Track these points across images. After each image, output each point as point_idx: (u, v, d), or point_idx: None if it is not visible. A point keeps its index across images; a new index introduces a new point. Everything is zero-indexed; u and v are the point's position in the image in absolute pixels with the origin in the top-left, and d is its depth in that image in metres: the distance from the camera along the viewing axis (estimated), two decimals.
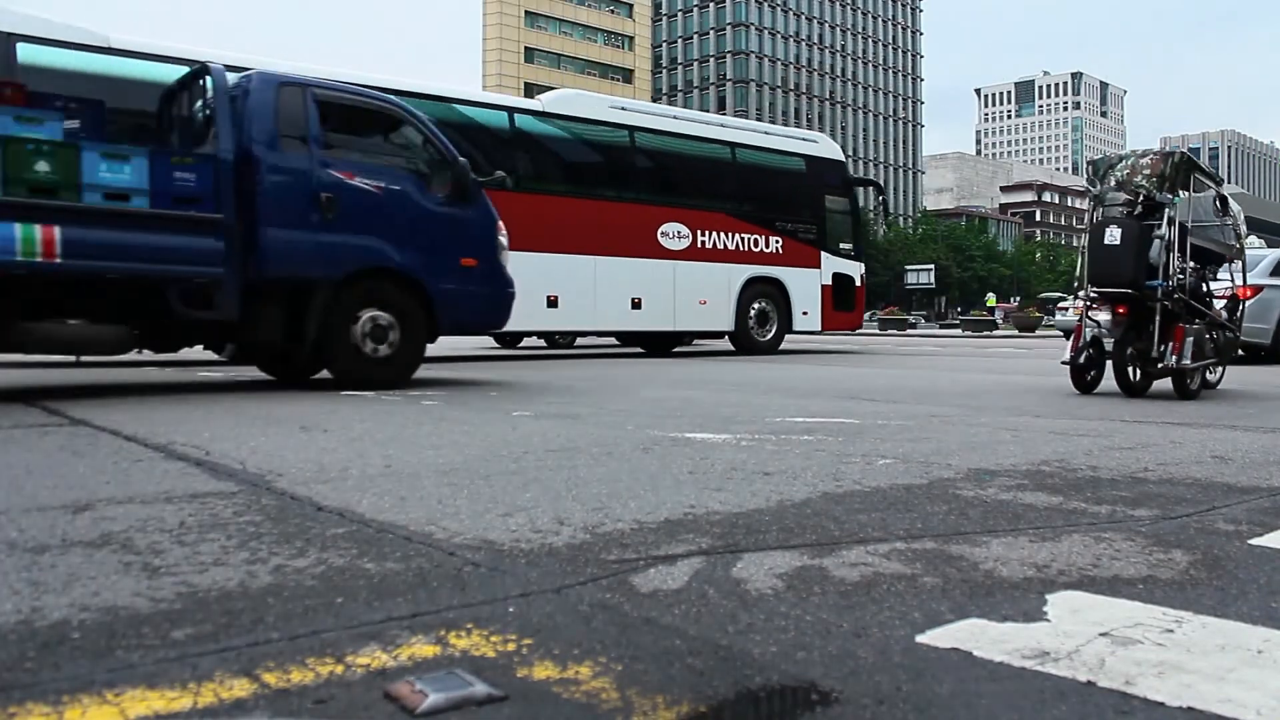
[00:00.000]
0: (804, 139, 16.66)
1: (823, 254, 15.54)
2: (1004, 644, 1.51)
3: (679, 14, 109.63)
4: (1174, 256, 6.42)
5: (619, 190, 13.43)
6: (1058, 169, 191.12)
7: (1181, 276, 6.49)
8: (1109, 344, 6.69)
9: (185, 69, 9.86)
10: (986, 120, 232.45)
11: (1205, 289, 7.08)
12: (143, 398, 5.94)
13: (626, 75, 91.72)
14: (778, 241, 14.95)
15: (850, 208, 16.32)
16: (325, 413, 5.03)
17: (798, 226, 15.31)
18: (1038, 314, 45.34)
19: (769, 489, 2.85)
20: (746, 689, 1.34)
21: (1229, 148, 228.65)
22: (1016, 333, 35.12)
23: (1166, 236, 6.38)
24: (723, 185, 14.66)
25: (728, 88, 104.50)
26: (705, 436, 4.13)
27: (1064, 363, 6.89)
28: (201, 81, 6.77)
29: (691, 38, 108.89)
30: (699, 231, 14.02)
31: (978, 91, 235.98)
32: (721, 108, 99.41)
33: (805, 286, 15.25)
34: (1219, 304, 7.32)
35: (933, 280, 53.18)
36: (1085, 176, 7.23)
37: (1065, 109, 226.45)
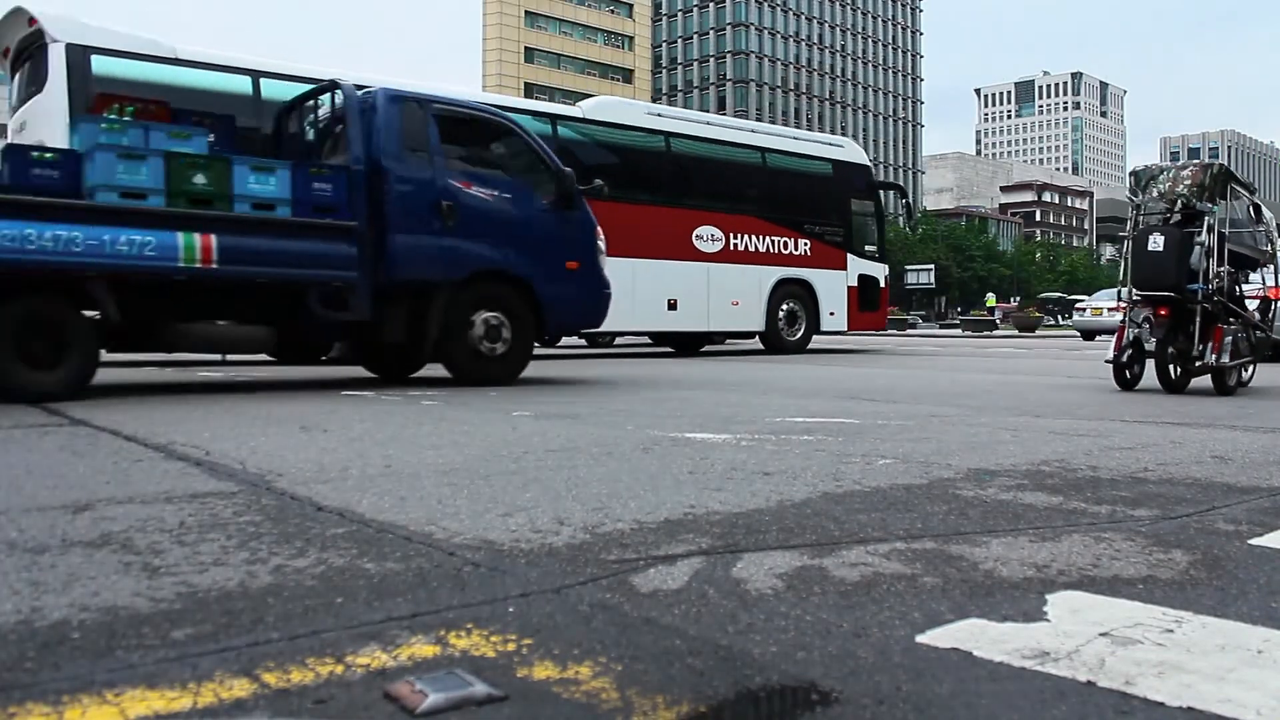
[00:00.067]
0: (830, 143, 17.06)
1: (849, 256, 15.88)
2: (1004, 644, 1.51)
3: (679, 14, 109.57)
4: (1213, 261, 6.85)
5: (656, 194, 13.72)
6: (1058, 169, 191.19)
7: (1220, 280, 6.93)
8: (1149, 344, 7.06)
9: (248, 79, 10.35)
10: (986, 120, 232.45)
11: (1239, 291, 7.52)
12: (143, 398, 5.95)
13: (626, 75, 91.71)
14: (806, 244, 15.32)
15: (874, 210, 16.72)
16: (325, 413, 5.03)
17: (825, 229, 15.66)
18: (1037, 314, 45.36)
19: (769, 489, 2.85)
20: (746, 689, 1.34)
21: (1229, 148, 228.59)
22: (1016, 333, 35.10)
23: (1207, 243, 6.80)
24: (754, 189, 15.04)
25: (728, 88, 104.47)
26: (705, 436, 4.13)
27: (1107, 361, 7.23)
28: (323, 97, 7.28)
29: (691, 38, 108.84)
30: (732, 234, 14.38)
31: (978, 91, 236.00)
32: (721, 108, 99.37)
33: (832, 288, 15.60)
34: (1251, 305, 7.76)
35: (933, 280, 53.11)
36: (1127, 186, 7.69)
37: (1065, 109, 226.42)
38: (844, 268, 15.78)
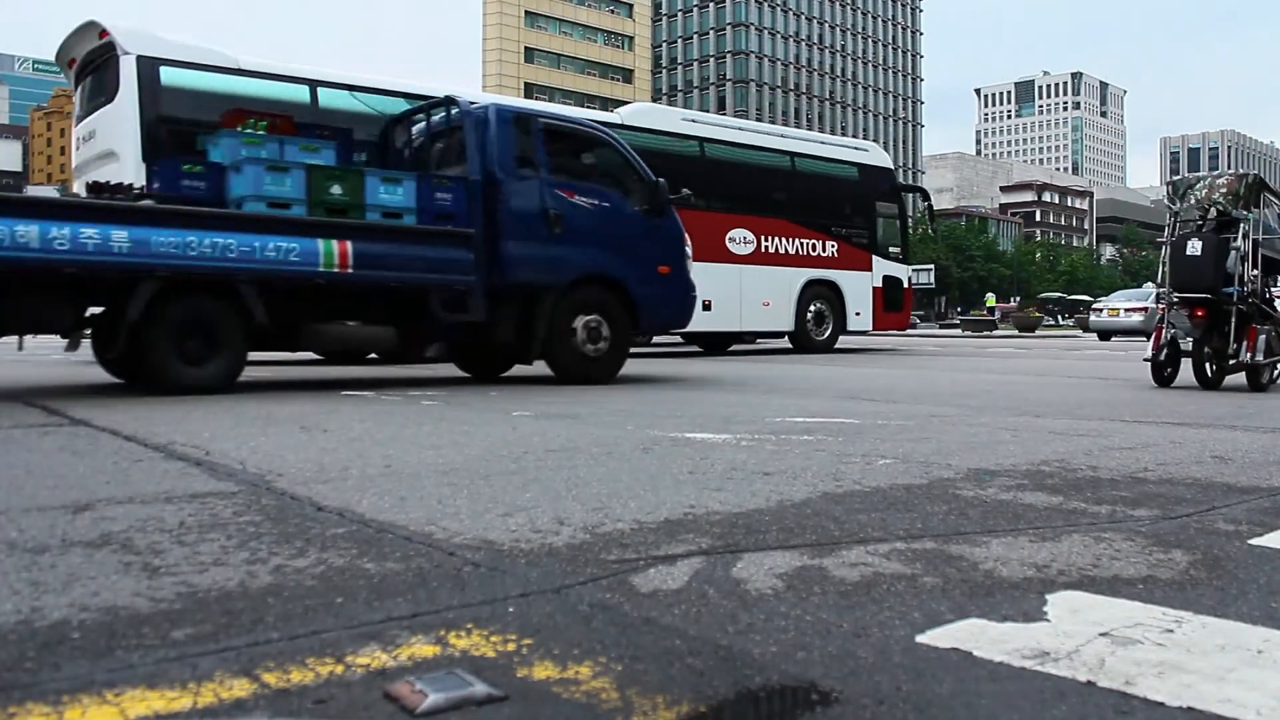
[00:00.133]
0: (856, 148, 17.38)
1: (874, 257, 16.21)
2: (1004, 644, 1.51)
3: (679, 14, 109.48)
4: (1247, 266, 7.35)
5: (691, 198, 13.88)
6: (1058, 169, 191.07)
7: (1254, 283, 7.43)
8: (1185, 344, 7.55)
9: (306, 88, 10.75)
10: (986, 120, 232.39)
11: (1269, 294, 7.92)
12: (143, 398, 5.94)
13: (626, 75, 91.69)
14: (833, 246, 15.65)
15: (898, 213, 17.05)
16: (325, 413, 5.03)
17: (851, 231, 16.01)
18: (1037, 314, 45.34)
19: (769, 489, 2.85)
20: (746, 689, 1.34)
21: (1229, 148, 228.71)
22: (1016, 333, 35.09)
23: (1242, 248, 7.32)
24: (784, 192, 15.36)
25: (728, 88, 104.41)
26: (705, 436, 4.13)
27: (1145, 359, 7.68)
28: (436, 112, 7.68)
29: (691, 38, 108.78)
30: (763, 237, 14.75)
31: (978, 91, 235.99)
32: (721, 108, 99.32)
33: (858, 288, 15.95)
34: None
35: (933, 280, 53.10)
36: (1164, 194, 8.26)
37: (1065, 109, 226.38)
38: (869, 269, 16.10)
